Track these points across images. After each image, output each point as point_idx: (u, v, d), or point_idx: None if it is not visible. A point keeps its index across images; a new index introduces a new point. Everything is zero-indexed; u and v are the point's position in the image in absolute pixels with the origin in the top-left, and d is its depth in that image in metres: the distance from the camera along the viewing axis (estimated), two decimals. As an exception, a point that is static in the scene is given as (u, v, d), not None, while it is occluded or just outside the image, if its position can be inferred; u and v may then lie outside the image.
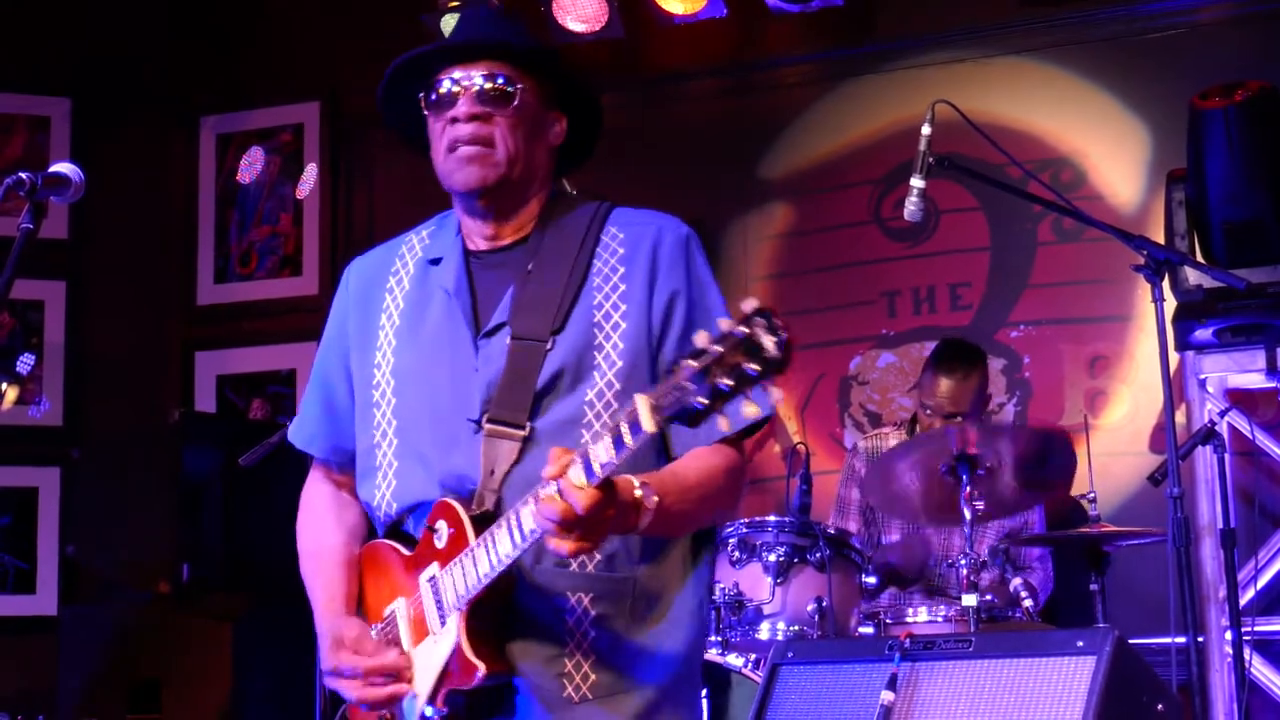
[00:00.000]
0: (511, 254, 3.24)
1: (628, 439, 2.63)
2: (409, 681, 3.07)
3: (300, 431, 3.49)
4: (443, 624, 3.03)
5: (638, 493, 2.81)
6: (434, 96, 3.21)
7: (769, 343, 2.47)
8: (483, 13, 3.35)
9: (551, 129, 3.27)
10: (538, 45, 3.33)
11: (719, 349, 2.49)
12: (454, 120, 3.16)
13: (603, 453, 2.66)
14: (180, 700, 7.33)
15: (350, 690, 3.09)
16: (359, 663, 3.08)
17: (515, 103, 3.17)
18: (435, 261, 3.31)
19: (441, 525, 3.05)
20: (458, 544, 2.99)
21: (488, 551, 2.92)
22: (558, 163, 3.33)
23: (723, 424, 2.54)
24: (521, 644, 3.03)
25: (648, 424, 2.58)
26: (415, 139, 3.35)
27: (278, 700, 7.00)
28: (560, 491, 2.69)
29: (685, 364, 2.52)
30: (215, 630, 7.44)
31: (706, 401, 2.50)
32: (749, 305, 2.50)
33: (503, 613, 3.02)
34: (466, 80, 3.16)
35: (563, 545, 2.72)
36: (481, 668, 2.95)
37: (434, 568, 3.05)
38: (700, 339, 2.52)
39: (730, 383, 2.48)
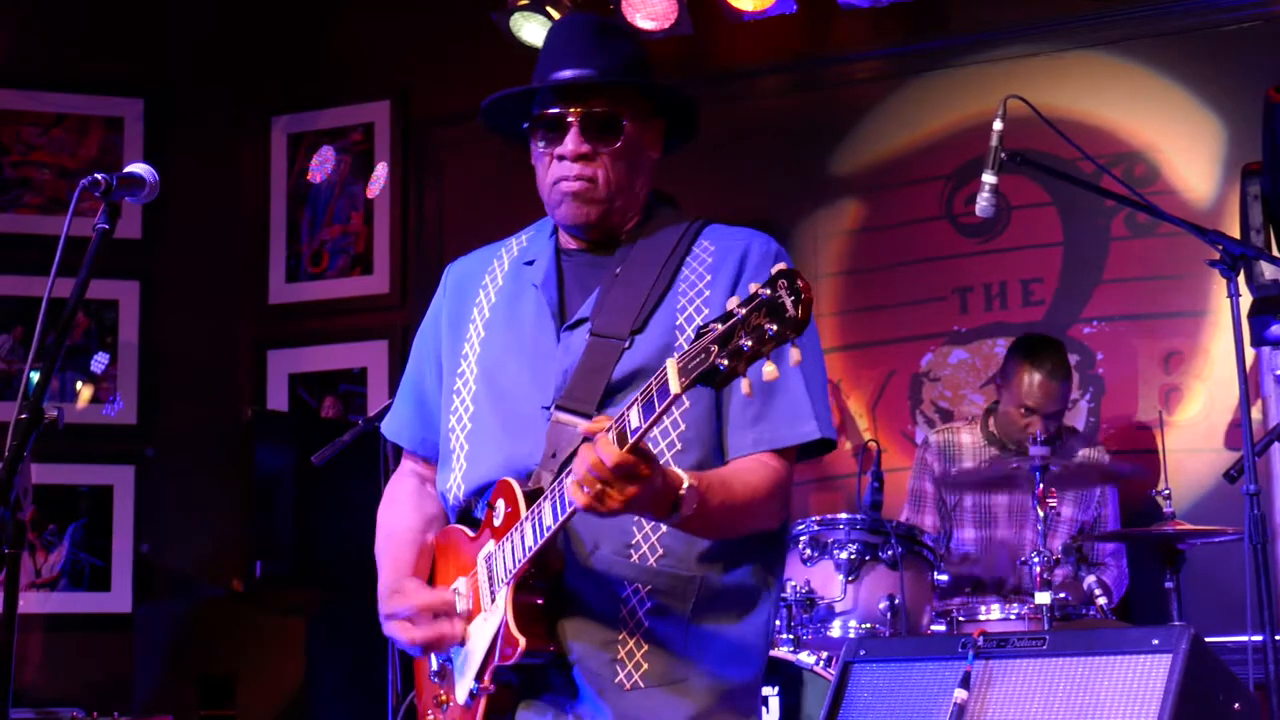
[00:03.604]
0: (603, 256, 3.29)
1: (657, 403, 2.67)
2: (461, 622, 3.12)
3: (391, 424, 3.58)
4: (493, 600, 3.07)
5: (682, 491, 2.86)
6: (539, 126, 3.26)
7: (789, 302, 2.53)
8: (579, 28, 3.31)
9: (651, 148, 3.32)
10: (637, 61, 3.31)
11: (743, 311, 2.57)
12: (560, 157, 3.21)
13: (634, 419, 2.71)
14: (254, 696, 7.39)
15: (401, 633, 3.16)
16: (410, 601, 3.16)
17: (619, 140, 3.22)
18: (529, 263, 3.37)
19: (500, 504, 3.09)
20: (513, 520, 3.04)
21: (534, 524, 2.96)
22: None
23: (744, 387, 2.58)
24: (574, 625, 3.05)
25: (674, 385, 2.64)
26: (512, 137, 3.40)
27: (350, 695, 7.04)
28: (595, 445, 2.73)
29: (713, 326, 2.60)
30: (288, 626, 7.50)
31: (728, 362, 2.57)
32: (776, 268, 2.57)
33: (553, 591, 3.06)
34: (570, 116, 3.21)
35: (578, 496, 2.76)
36: (522, 642, 2.97)
37: (490, 544, 3.10)
38: (731, 303, 2.59)
39: (750, 343, 2.55)
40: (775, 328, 2.53)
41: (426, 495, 3.45)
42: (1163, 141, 7.15)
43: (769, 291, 2.55)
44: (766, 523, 3.19)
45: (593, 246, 3.31)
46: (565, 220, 3.26)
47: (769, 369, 2.55)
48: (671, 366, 2.64)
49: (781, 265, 2.57)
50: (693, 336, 2.64)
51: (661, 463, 2.85)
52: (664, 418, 3.01)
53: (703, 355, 2.59)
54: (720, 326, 2.58)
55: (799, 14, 7.53)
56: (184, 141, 8.25)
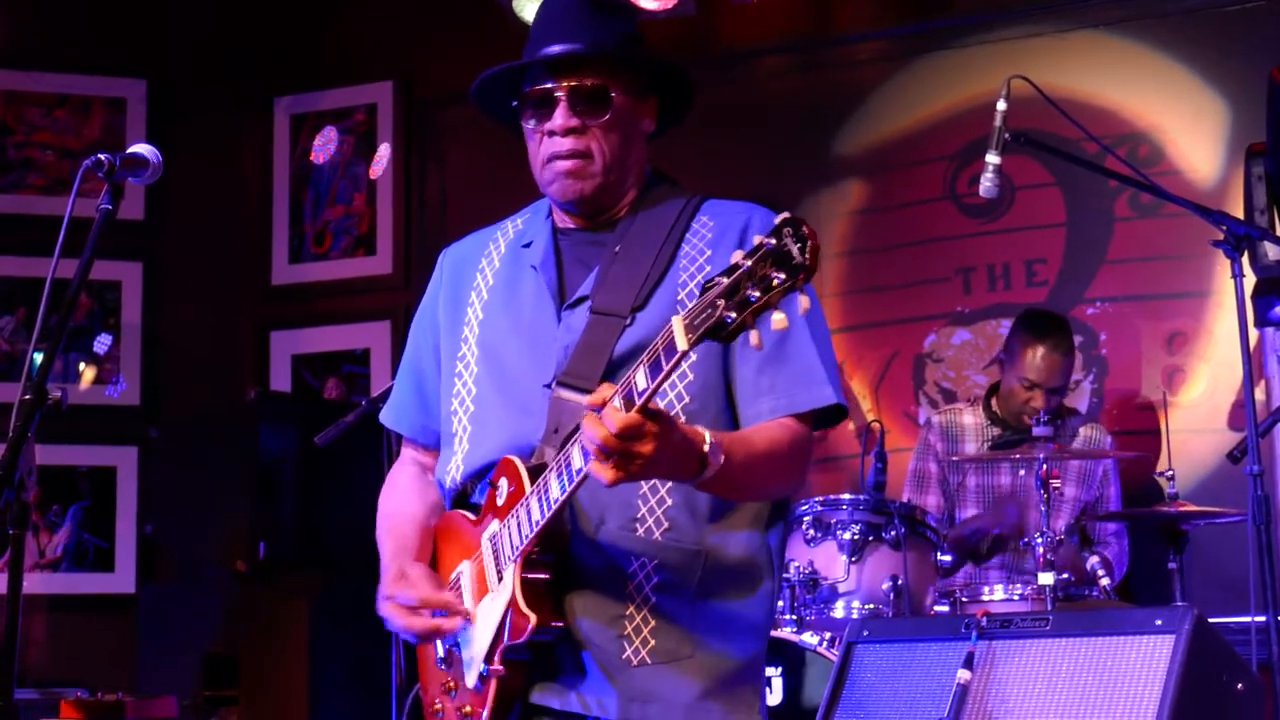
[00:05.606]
0: (600, 234, 3.27)
1: (664, 362, 2.63)
2: (459, 618, 3.09)
3: (390, 411, 3.55)
4: (500, 579, 3.04)
5: (706, 447, 2.82)
6: (528, 104, 3.23)
7: (795, 249, 2.48)
8: (569, 3, 3.28)
9: (644, 120, 3.29)
10: (629, 36, 3.30)
11: (749, 262, 2.52)
12: (551, 133, 3.19)
13: (641, 380, 2.67)
14: (257, 677, 7.39)
15: (398, 617, 3.13)
16: (414, 593, 3.13)
17: (610, 111, 3.19)
18: (527, 245, 3.35)
19: (503, 482, 3.07)
20: (517, 498, 3.01)
21: (540, 498, 2.93)
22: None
23: (754, 339, 2.54)
24: (581, 601, 3.04)
25: (681, 342, 2.58)
26: (507, 121, 3.36)
27: (354, 677, 7.03)
28: (600, 415, 2.69)
29: (718, 280, 2.55)
30: (292, 608, 7.49)
31: (735, 315, 2.52)
32: (780, 217, 2.53)
33: (559, 567, 3.03)
34: (559, 91, 3.18)
35: (603, 472, 2.71)
36: (532, 619, 2.94)
37: (494, 524, 3.07)
38: (735, 256, 2.54)
39: (758, 293, 2.50)
40: (783, 275, 2.48)
41: (428, 483, 3.43)
42: (1167, 122, 7.13)
43: (774, 241, 2.50)
44: (790, 482, 3.17)
45: (590, 225, 3.29)
46: (559, 197, 3.24)
47: (778, 317, 2.50)
48: (677, 323, 2.59)
49: (785, 215, 2.52)
50: (697, 293, 2.59)
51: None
52: (671, 381, 2.99)
53: (709, 310, 2.54)
54: (725, 280, 2.53)
55: (802, -6, 7.53)
56: (187, 123, 8.24)
